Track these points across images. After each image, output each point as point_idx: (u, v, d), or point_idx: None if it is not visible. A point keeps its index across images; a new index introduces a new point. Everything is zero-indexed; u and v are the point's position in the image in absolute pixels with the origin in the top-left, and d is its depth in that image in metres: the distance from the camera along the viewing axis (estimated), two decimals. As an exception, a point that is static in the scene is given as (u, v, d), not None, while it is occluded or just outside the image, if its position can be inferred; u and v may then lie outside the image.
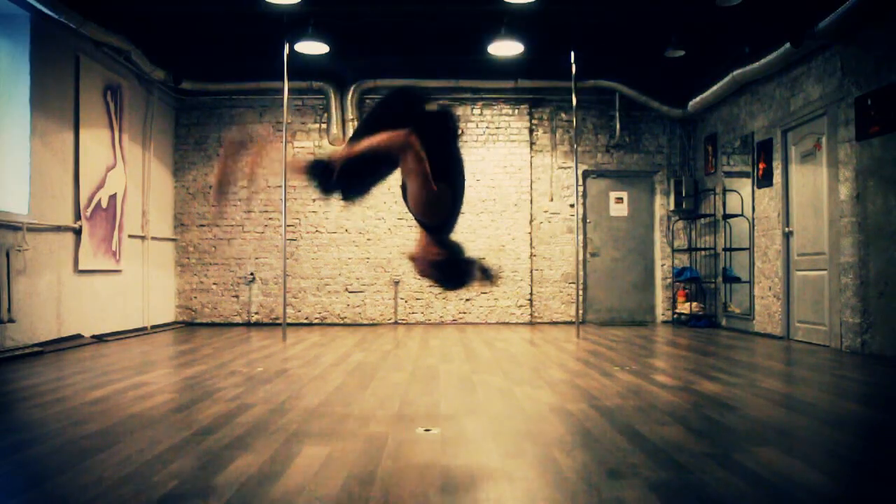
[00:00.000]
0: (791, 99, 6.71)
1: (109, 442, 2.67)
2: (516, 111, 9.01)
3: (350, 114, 8.75)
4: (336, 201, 8.86)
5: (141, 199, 7.92)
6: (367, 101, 8.95)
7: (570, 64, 6.97)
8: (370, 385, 4.06)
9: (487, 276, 2.79)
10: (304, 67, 7.84)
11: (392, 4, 6.59)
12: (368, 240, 8.86)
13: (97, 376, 4.36)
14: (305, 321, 8.82)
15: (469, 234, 8.78)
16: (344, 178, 2.57)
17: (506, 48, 7.06)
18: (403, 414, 3.23)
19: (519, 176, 8.95)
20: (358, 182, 2.72)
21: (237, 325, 8.67)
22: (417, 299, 8.81)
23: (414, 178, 2.54)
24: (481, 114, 9.01)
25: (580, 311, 8.73)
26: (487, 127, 9.00)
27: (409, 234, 8.83)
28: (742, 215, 7.78)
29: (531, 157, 9.01)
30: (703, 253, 8.78)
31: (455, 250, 2.71)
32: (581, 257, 8.98)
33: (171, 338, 7.07)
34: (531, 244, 8.94)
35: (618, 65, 8.39)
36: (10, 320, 5.38)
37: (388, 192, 8.90)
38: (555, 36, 7.22)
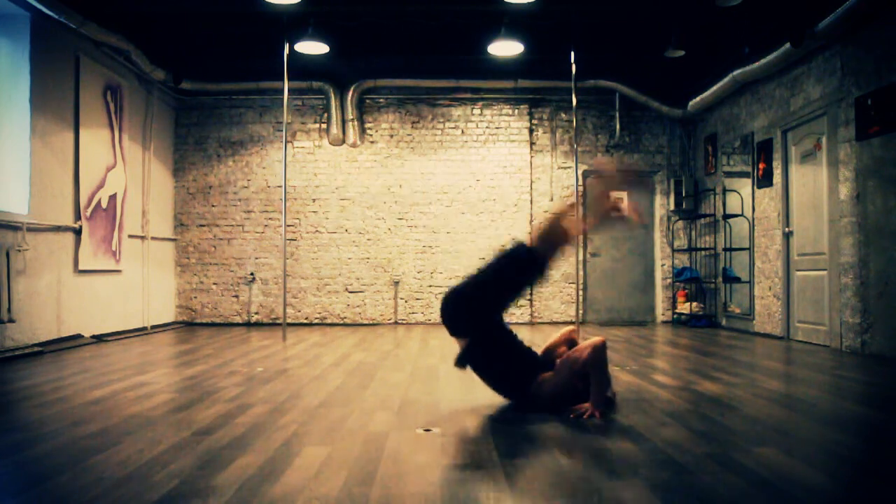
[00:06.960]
0: (791, 99, 6.71)
1: (109, 442, 2.67)
2: (516, 111, 9.01)
3: (350, 114, 8.75)
4: (336, 200, 8.92)
5: (141, 199, 7.92)
6: (367, 101, 8.96)
7: (570, 64, 6.97)
8: (370, 385, 4.06)
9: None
10: (304, 67, 7.85)
11: (392, 4, 6.59)
12: (368, 240, 8.86)
13: (97, 376, 4.36)
14: (305, 321, 8.81)
15: (469, 234, 8.78)
16: None
17: (506, 48, 7.06)
18: (404, 414, 3.23)
19: (519, 176, 8.95)
20: None
21: (237, 325, 8.67)
22: (417, 299, 8.80)
23: None
24: (481, 114, 9.00)
25: (580, 311, 8.74)
26: (487, 127, 8.99)
27: (410, 234, 8.83)
28: (742, 215, 7.78)
29: (531, 157, 9.01)
30: (703, 253, 8.78)
31: None
32: (581, 257, 8.98)
33: (171, 338, 7.07)
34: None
35: (618, 65, 8.39)
36: (10, 320, 5.38)
37: (388, 192, 8.91)
38: (555, 36, 7.22)
